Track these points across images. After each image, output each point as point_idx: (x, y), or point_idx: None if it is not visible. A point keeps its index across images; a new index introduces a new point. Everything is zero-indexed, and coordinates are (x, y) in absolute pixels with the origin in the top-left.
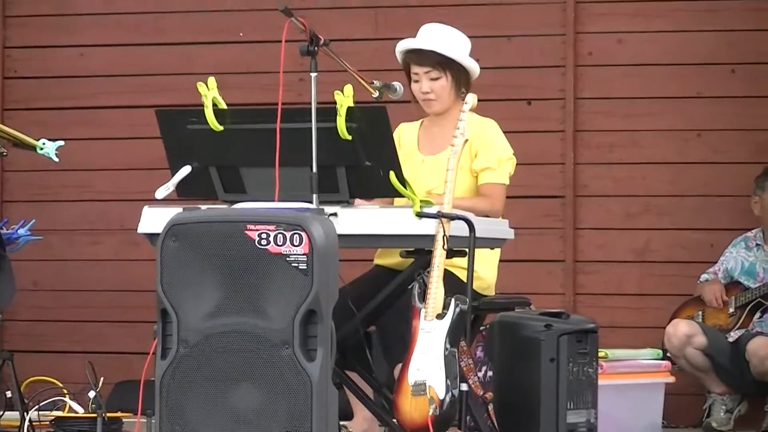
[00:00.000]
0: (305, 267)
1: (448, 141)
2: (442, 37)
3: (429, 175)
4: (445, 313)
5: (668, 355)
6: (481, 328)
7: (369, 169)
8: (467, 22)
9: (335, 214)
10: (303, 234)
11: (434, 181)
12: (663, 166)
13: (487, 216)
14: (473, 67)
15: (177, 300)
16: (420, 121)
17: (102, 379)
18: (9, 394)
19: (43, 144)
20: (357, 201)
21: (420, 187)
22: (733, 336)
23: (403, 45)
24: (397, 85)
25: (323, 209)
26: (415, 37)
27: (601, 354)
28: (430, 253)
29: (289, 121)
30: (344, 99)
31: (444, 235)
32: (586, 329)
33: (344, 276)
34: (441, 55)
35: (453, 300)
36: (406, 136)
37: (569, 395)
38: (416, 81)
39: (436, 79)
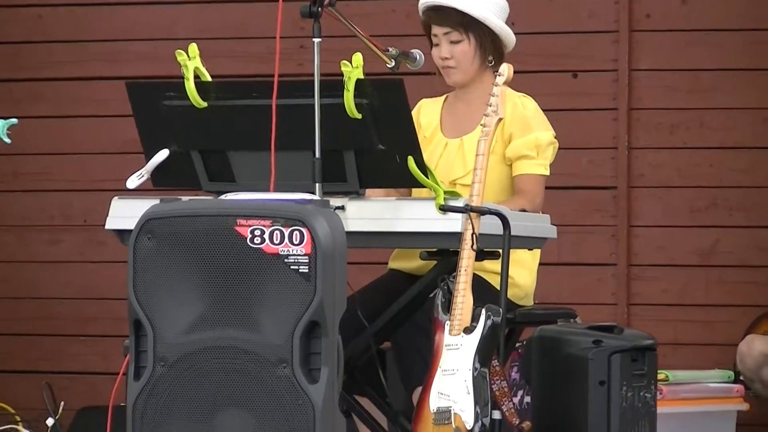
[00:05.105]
0: (307, 270)
1: (475, 121)
2: None
3: (453, 162)
4: (474, 327)
5: (741, 377)
6: (517, 344)
7: (383, 154)
8: None
9: (342, 208)
10: (304, 230)
11: (460, 169)
12: (735, 151)
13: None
14: (503, 30)
15: (153, 310)
16: (444, 96)
17: (62, 404)
18: None
19: None
20: (368, 192)
21: (443, 176)
22: None
23: (423, 1)
24: (416, 53)
25: (328, 201)
26: None
27: (660, 376)
28: (456, 254)
29: (287, 96)
30: (353, 70)
31: (473, 233)
32: (642, 346)
33: (353, 282)
34: (462, 14)
35: (483, 311)
36: (426, 114)
37: (622, 425)
38: (436, 45)
39: (457, 42)
